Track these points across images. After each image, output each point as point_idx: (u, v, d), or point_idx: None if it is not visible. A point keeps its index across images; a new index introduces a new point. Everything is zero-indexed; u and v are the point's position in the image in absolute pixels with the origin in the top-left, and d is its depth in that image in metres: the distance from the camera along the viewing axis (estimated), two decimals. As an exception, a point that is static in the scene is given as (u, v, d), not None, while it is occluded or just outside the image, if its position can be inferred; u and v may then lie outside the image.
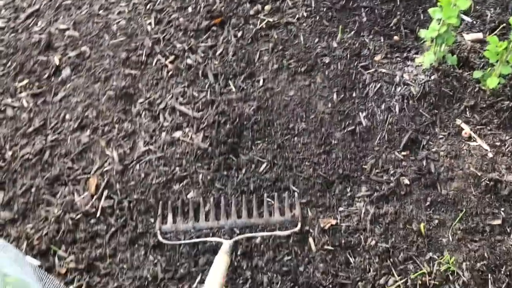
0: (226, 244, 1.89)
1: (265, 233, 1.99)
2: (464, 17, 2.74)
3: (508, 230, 1.99)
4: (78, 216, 2.09)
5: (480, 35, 2.65)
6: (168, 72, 2.53)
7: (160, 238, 2.00)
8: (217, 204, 2.09)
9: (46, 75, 2.59)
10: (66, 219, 2.08)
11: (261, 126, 2.30)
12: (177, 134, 2.30)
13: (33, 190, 2.18)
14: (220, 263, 1.79)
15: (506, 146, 2.21)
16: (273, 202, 2.08)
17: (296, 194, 2.10)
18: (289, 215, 2.04)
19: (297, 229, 2.00)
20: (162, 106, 2.43)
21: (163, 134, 2.31)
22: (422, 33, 2.37)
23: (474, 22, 2.74)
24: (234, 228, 2.03)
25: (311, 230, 2.01)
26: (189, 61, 2.56)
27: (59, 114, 2.44)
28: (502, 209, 2.04)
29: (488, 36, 2.22)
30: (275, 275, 1.90)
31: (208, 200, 2.10)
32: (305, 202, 2.09)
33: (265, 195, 2.11)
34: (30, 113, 2.45)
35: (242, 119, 2.31)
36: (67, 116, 2.43)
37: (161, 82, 2.51)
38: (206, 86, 2.46)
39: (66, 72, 2.59)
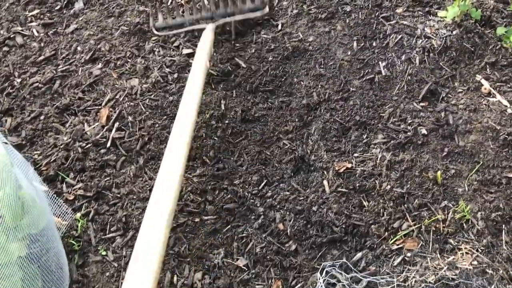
0: (210, 25, 2.25)
1: (240, 16, 2.34)
2: (488, -23, 2.68)
3: (525, 183, 1.97)
4: (88, 145, 2.04)
5: (503, -5, 2.59)
6: (183, 11, 2.46)
7: (154, 31, 2.33)
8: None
9: (58, 7, 2.51)
10: (75, 147, 2.02)
11: (277, 71, 2.25)
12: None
13: (41, 117, 2.13)
14: (206, 37, 2.15)
15: (526, 104, 2.18)
16: None
17: None
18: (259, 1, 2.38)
19: (266, 11, 2.36)
20: (176, 44, 2.37)
21: (176, 71, 2.25)
22: (448, -16, 2.32)
23: (498, -17, 2.68)
24: (215, 17, 2.36)
25: (325, 173, 1.98)
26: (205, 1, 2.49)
27: (70, 46, 2.37)
28: (519, 163, 2.01)
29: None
30: (288, 213, 1.87)
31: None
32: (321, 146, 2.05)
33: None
34: (40, 43, 2.38)
35: (259, 62, 2.26)
36: (79, 48, 2.36)
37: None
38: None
39: (79, 4, 2.51)
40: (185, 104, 1.81)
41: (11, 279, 1.36)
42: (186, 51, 2.33)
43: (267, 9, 2.36)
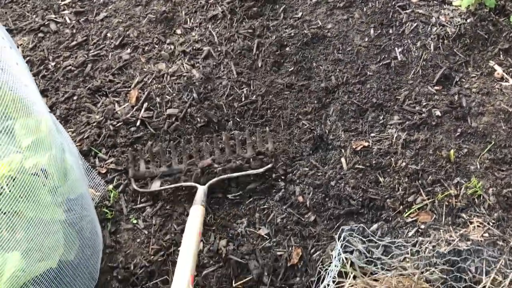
0: (201, 190, 1.85)
1: (238, 173, 1.96)
2: (502, -32, 2.75)
3: (535, 162, 2.05)
4: (119, 124, 2.16)
5: (517, -14, 2.67)
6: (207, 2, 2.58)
7: (134, 185, 1.95)
8: (188, 143, 2.08)
9: (89, -4, 2.65)
10: (107, 125, 2.15)
11: (297, 55, 2.36)
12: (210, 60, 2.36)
13: (75, 98, 2.26)
14: (196, 215, 1.74)
15: (538, 88, 2.25)
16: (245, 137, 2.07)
17: (267, 129, 2.09)
18: (262, 150, 2.04)
19: (270, 165, 2.00)
20: (200, 32, 2.49)
21: (200, 56, 2.37)
22: (463, -27, 2.41)
23: (512, -26, 2.76)
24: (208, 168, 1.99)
25: (343, 151, 2.08)
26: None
27: (100, 32, 2.50)
28: (530, 143, 2.09)
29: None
30: (307, 187, 1.97)
31: (178, 144, 2.10)
32: (339, 126, 2.15)
33: (236, 132, 2.10)
34: (72, 29, 2.51)
35: (279, 45, 2.37)
36: (109, 35, 2.49)
37: (199, 10, 2.56)
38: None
39: (108, -6, 2.65)
40: None
41: (56, 236, 1.48)
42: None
43: (271, 164, 2.01)
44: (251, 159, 2.02)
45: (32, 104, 1.41)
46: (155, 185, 1.96)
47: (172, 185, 1.96)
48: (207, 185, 1.92)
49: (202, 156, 2.03)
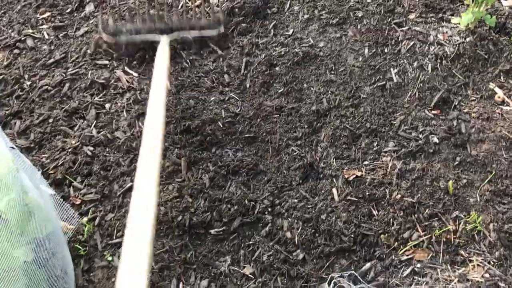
0: (165, 38, 2.13)
1: (196, 32, 2.28)
2: (503, -16, 2.64)
3: (538, 195, 1.93)
4: (96, 149, 2.03)
5: (519, 2, 2.56)
6: (194, 14, 2.45)
7: (103, 35, 2.19)
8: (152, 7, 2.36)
9: (69, 10, 2.52)
10: (83, 150, 2.02)
11: (288, 75, 2.23)
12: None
13: (50, 120, 2.13)
14: (163, 52, 2.05)
15: (541, 113, 2.13)
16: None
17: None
18: (215, 18, 2.32)
19: (221, 29, 2.31)
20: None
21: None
22: (463, -9, 2.29)
23: (513, -11, 2.64)
24: (168, 29, 2.25)
25: (334, 181, 1.95)
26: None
27: (80, 49, 2.37)
28: (534, 174, 1.97)
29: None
30: (296, 221, 1.84)
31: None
32: (331, 153, 2.02)
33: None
34: (51, 45, 2.38)
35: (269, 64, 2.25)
36: (89, 51, 2.35)
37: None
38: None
39: (89, 7, 2.51)
40: (148, 138, 1.70)
41: (15, 285, 1.35)
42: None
43: (222, 28, 2.32)
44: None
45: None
46: (122, 36, 2.23)
47: (137, 36, 2.21)
48: (169, 36, 2.19)
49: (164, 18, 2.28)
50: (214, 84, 2.21)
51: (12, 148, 1.44)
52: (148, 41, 2.23)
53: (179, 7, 2.44)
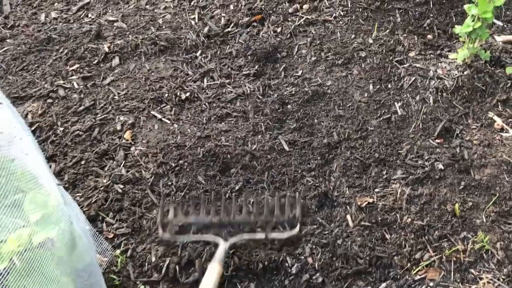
0: (222, 246, 1.86)
1: (262, 235, 1.93)
2: (496, 21, 2.84)
3: (541, 214, 2.05)
4: (126, 187, 2.19)
5: (511, 37, 2.75)
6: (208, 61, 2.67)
7: (160, 233, 1.97)
8: (218, 199, 2.09)
9: (96, 61, 2.74)
10: (114, 188, 2.18)
11: (299, 112, 2.41)
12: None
13: (82, 162, 2.30)
14: (212, 274, 1.76)
15: (538, 138, 2.28)
16: (273, 200, 2.06)
17: (297, 195, 2.09)
18: (290, 215, 1.99)
19: (295, 231, 1.96)
20: (205, 95, 2.56)
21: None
22: (457, 29, 2.48)
23: (505, 25, 2.85)
24: (233, 225, 1.99)
25: (348, 208, 2.09)
26: (230, 50, 2.69)
27: (107, 96, 2.57)
28: (535, 194, 2.10)
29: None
30: (314, 246, 1.97)
31: (210, 196, 2.11)
32: (344, 182, 2.17)
33: (266, 193, 2.12)
34: (80, 94, 2.59)
35: (281, 102, 2.43)
36: (116, 98, 2.56)
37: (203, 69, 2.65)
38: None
39: (115, 61, 2.74)
40: None
41: (63, 309, 1.48)
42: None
43: (297, 229, 1.97)
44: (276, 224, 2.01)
45: (41, 178, 1.45)
46: (180, 237, 1.99)
47: (197, 237, 1.97)
48: (229, 242, 1.90)
49: (229, 212, 2.02)
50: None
51: (59, 185, 1.61)
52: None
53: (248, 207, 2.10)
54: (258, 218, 1.99)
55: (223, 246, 1.88)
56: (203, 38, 2.80)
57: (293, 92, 2.51)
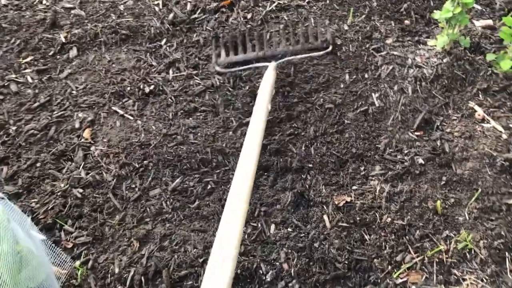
0: (273, 63, 2.28)
1: (303, 55, 2.37)
2: (475, 5, 2.73)
3: (525, 209, 1.96)
4: (85, 191, 2.02)
5: (490, 22, 2.64)
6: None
7: (217, 68, 2.37)
8: (260, 36, 2.51)
9: (51, 53, 2.54)
10: (73, 193, 2.01)
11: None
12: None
13: (38, 164, 2.12)
14: (268, 77, 2.18)
15: (520, 128, 2.19)
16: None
17: (327, 21, 2.48)
18: (322, 39, 2.42)
19: (329, 49, 2.40)
20: (170, 88, 2.39)
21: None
22: (436, 14, 2.36)
23: (484, 9, 2.74)
24: (277, 55, 2.40)
25: (325, 208, 1.97)
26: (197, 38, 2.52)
27: (65, 91, 2.38)
28: (518, 188, 2.01)
29: (504, 18, 2.20)
30: (289, 250, 1.85)
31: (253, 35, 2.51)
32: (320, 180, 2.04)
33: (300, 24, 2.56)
34: (35, 89, 2.39)
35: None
36: (74, 93, 2.37)
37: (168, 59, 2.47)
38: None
39: (73, 52, 2.53)
40: (247, 154, 1.79)
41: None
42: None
43: (330, 48, 2.40)
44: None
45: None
46: (233, 69, 2.39)
47: (248, 66, 2.38)
48: (277, 62, 2.33)
49: (271, 44, 2.48)
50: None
51: (2, 198, 1.43)
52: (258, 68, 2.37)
53: (286, 32, 2.54)
54: (296, 45, 2.44)
55: (272, 65, 2.27)
56: (168, 26, 2.62)
57: (265, 84, 2.36)
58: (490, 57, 2.34)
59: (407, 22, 2.61)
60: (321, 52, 2.37)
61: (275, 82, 2.23)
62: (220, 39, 2.51)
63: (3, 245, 1.28)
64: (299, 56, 2.37)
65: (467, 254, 1.85)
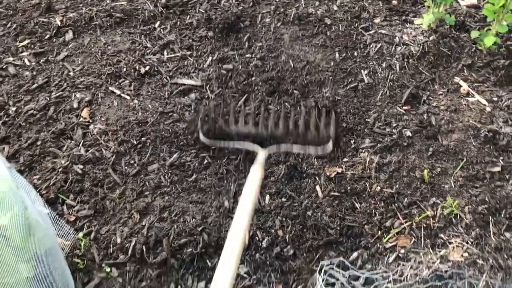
0: (262, 154, 1.81)
1: (299, 149, 1.89)
2: (459, -16, 2.82)
3: (507, 176, 2.06)
4: (86, 167, 2.09)
5: (474, 1, 2.73)
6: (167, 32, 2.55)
7: (201, 136, 1.92)
8: (257, 111, 2.19)
9: (48, 36, 2.59)
10: (73, 169, 2.08)
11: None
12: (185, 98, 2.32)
13: (38, 143, 2.18)
14: (255, 177, 1.73)
15: (503, 101, 2.29)
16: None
17: (333, 115, 2.00)
18: (324, 134, 1.92)
19: (329, 149, 1.91)
20: (165, 69, 2.45)
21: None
22: (422, -7, 2.44)
23: (468, -11, 2.82)
24: (270, 137, 1.92)
25: (317, 179, 2.05)
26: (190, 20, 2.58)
27: (62, 72, 2.43)
28: (501, 158, 2.11)
29: (486, -5, 2.29)
30: (284, 219, 1.93)
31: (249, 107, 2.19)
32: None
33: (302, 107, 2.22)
34: (33, 71, 2.44)
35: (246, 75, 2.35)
36: (71, 74, 2.42)
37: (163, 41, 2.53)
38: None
39: (68, 35, 2.59)
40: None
41: (22, 298, 1.40)
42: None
43: (330, 145, 1.89)
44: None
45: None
46: (220, 142, 1.92)
47: (236, 143, 1.91)
48: (268, 151, 1.84)
49: (267, 126, 1.91)
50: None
51: (9, 167, 1.50)
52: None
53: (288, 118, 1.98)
54: (295, 133, 1.90)
55: (263, 153, 1.83)
56: (162, 8, 2.68)
57: (258, 64, 2.43)
58: (474, 34, 2.43)
59: (394, 2, 2.69)
60: (320, 151, 1.90)
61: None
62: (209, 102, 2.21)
63: (13, 209, 1.35)
64: (295, 149, 1.91)
65: (453, 219, 1.94)
